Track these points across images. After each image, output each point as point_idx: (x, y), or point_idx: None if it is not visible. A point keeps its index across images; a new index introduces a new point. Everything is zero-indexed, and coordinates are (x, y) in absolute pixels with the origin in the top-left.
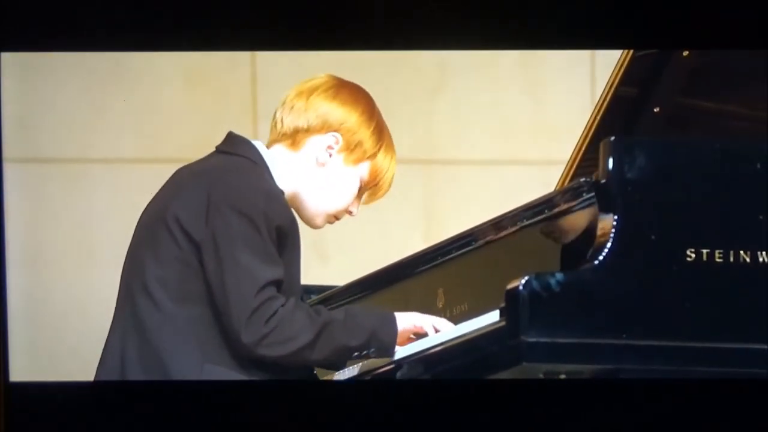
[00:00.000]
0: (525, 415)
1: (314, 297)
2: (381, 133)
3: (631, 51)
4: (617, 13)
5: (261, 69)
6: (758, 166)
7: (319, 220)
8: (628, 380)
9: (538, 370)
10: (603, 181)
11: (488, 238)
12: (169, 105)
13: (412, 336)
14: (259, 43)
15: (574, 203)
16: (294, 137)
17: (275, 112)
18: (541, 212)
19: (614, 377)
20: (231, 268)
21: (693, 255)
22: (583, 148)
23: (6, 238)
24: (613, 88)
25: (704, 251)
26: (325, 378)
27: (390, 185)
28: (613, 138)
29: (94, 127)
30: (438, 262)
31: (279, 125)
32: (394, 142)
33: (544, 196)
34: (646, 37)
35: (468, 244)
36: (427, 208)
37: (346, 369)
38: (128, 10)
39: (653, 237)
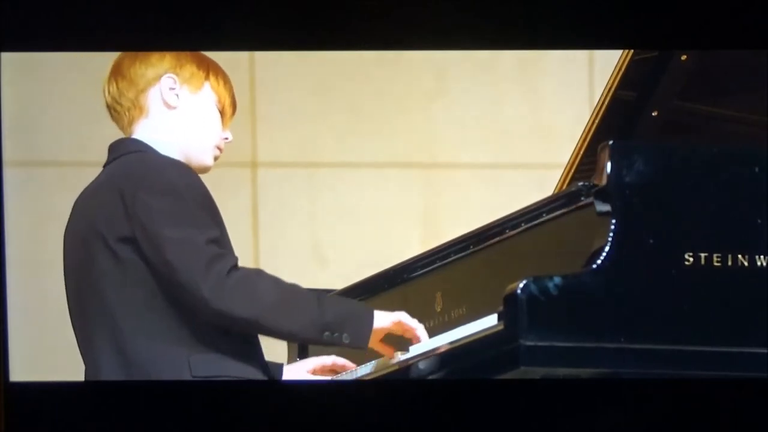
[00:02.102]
0: (525, 415)
1: None
2: (200, 57)
3: (630, 54)
4: (616, 13)
5: (259, 71)
6: (756, 169)
7: (207, 158)
8: (627, 380)
9: (536, 373)
10: (601, 184)
11: (486, 242)
12: None
13: (392, 341)
14: (258, 44)
15: (572, 207)
16: (138, 104)
17: (107, 105)
18: (539, 216)
19: (613, 378)
20: (168, 244)
21: (691, 259)
22: (582, 152)
23: (6, 239)
24: (611, 92)
25: (702, 255)
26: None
27: (234, 100)
28: (611, 142)
29: (92, 129)
30: (436, 265)
31: (119, 107)
32: (392, 145)
33: (543, 200)
34: (646, 37)
35: (466, 247)
36: (426, 211)
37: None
38: (128, 10)
39: (651, 241)
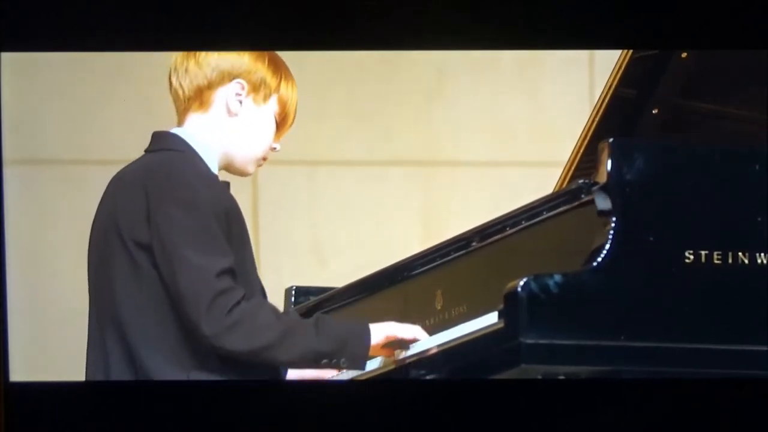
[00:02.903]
0: (525, 415)
1: (313, 299)
2: (276, 64)
3: (630, 52)
4: (616, 13)
5: None
6: (757, 167)
7: (250, 167)
8: (627, 380)
9: (537, 371)
10: (602, 182)
11: (487, 240)
12: (168, 106)
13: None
14: (259, 43)
15: (572, 205)
16: (200, 98)
17: (170, 81)
18: (539, 214)
19: (613, 377)
20: (181, 266)
21: (692, 257)
22: (582, 150)
23: (6, 238)
24: (611, 90)
25: (703, 253)
26: (325, 378)
27: (295, 113)
28: (611, 139)
29: (93, 128)
30: (437, 263)
31: (181, 91)
32: (393, 144)
33: (543, 198)
34: (646, 37)
35: (467, 245)
36: (426, 209)
37: (344, 371)
38: (128, 10)
39: (652, 239)
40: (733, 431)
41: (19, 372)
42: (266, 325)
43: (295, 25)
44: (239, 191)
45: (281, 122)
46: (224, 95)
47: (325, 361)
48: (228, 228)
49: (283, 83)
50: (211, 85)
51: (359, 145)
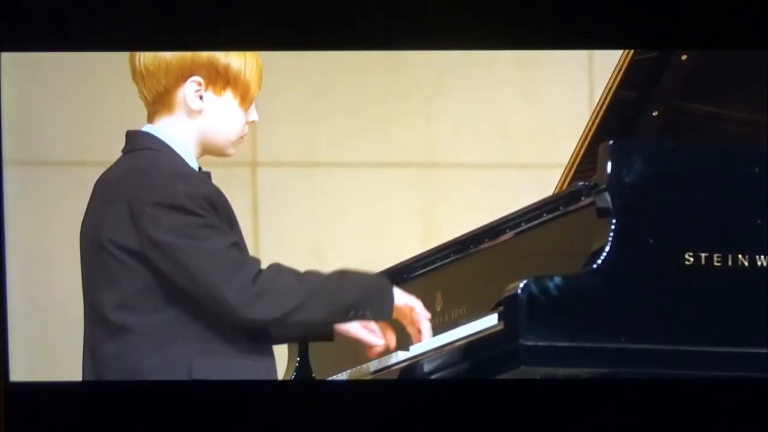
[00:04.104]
0: (525, 415)
1: None
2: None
3: (630, 54)
4: (616, 13)
5: None
6: (756, 169)
7: (229, 150)
8: (627, 380)
9: (537, 373)
10: (602, 184)
11: (487, 242)
12: None
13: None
14: (258, 44)
15: (572, 207)
16: (162, 101)
17: (136, 86)
18: (539, 216)
19: (613, 378)
20: (189, 256)
21: (691, 259)
22: (582, 152)
23: (6, 238)
24: (611, 92)
25: (703, 255)
26: (325, 378)
27: (260, 72)
28: (611, 141)
29: (93, 128)
30: (436, 265)
31: (144, 99)
32: (392, 145)
33: (543, 200)
34: (646, 37)
35: (466, 247)
36: (426, 211)
37: (344, 371)
38: (128, 10)
39: (651, 241)
40: (733, 431)
41: (19, 372)
42: (290, 290)
43: (295, 25)
44: (239, 192)
45: (246, 98)
46: (183, 96)
47: (351, 312)
48: (215, 212)
49: (234, 60)
50: (169, 90)
51: (359, 146)
